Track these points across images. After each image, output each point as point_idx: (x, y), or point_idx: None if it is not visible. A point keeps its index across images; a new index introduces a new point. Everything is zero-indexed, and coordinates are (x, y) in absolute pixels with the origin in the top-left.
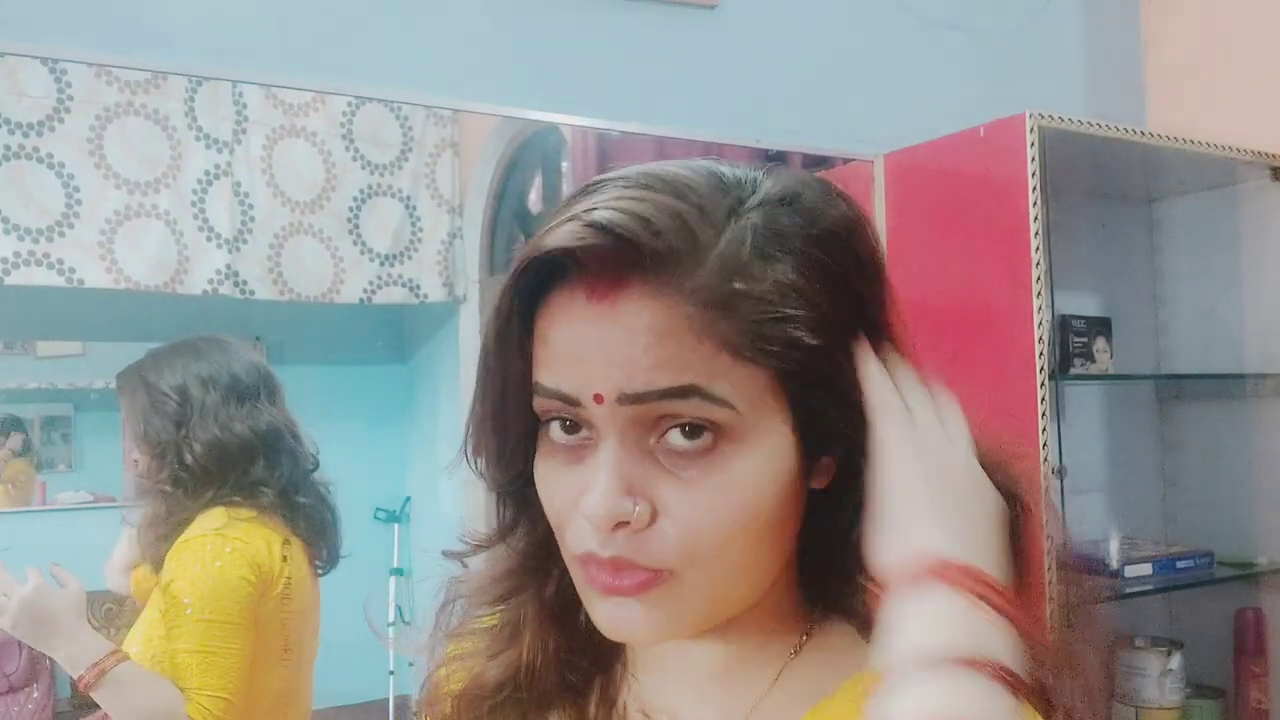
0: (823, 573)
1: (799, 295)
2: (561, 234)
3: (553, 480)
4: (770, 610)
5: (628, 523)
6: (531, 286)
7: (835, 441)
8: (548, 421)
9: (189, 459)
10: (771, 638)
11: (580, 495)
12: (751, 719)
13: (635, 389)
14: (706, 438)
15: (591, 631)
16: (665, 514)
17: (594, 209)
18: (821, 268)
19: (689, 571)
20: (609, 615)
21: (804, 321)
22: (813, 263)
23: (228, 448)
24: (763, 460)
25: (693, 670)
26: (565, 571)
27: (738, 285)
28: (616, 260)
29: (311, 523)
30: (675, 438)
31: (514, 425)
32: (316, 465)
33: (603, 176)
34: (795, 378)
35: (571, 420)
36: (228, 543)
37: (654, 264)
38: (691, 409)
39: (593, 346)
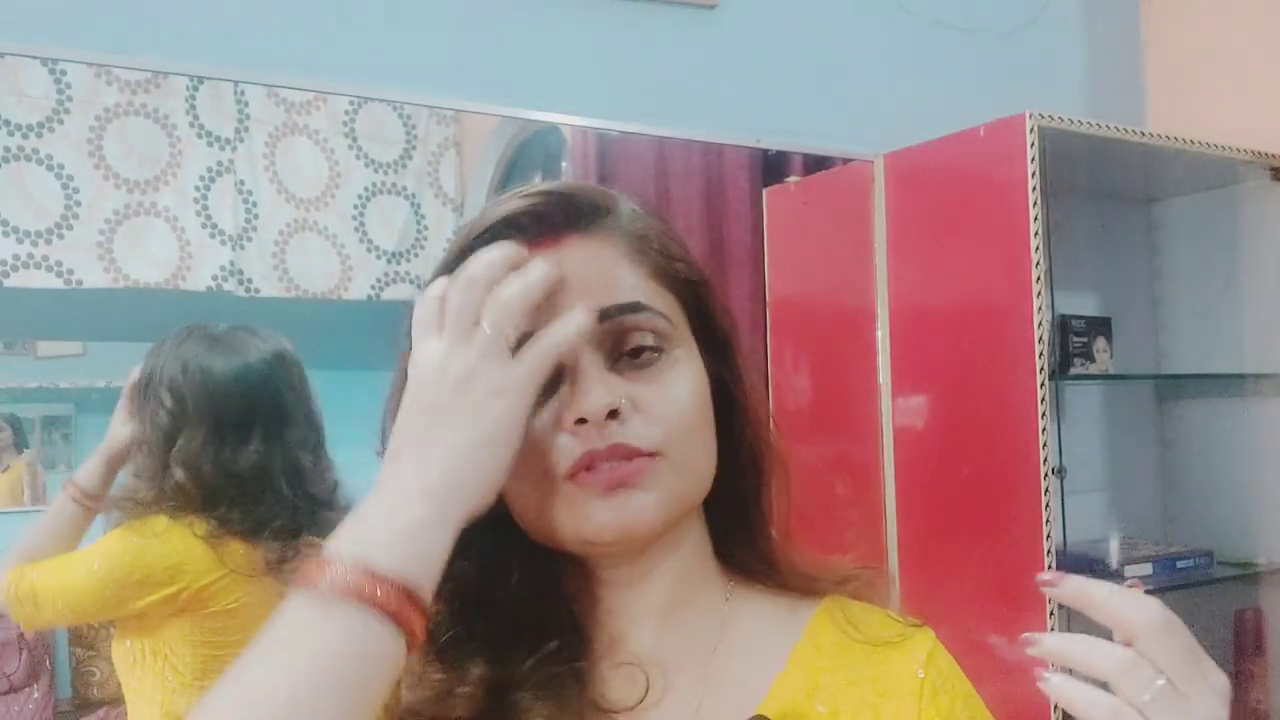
0: (730, 543)
1: (676, 245)
2: (508, 205)
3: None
4: (698, 553)
5: (617, 411)
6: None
7: (716, 384)
8: None
9: (168, 486)
10: (705, 580)
11: (555, 423)
12: (720, 638)
13: (606, 304)
14: (649, 355)
15: (547, 624)
16: (638, 408)
17: (523, 191)
18: (676, 239)
19: (671, 451)
20: (613, 512)
21: (685, 264)
22: (672, 234)
23: (188, 491)
24: (691, 367)
25: (649, 611)
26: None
27: (643, 231)
28: (554, 218)
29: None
30: (626, 360)
31: None
32: (336, 488)
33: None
34: (693, 312)
35: None
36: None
37: (585, 217)
38: (645, 321)
39: (562, 280)
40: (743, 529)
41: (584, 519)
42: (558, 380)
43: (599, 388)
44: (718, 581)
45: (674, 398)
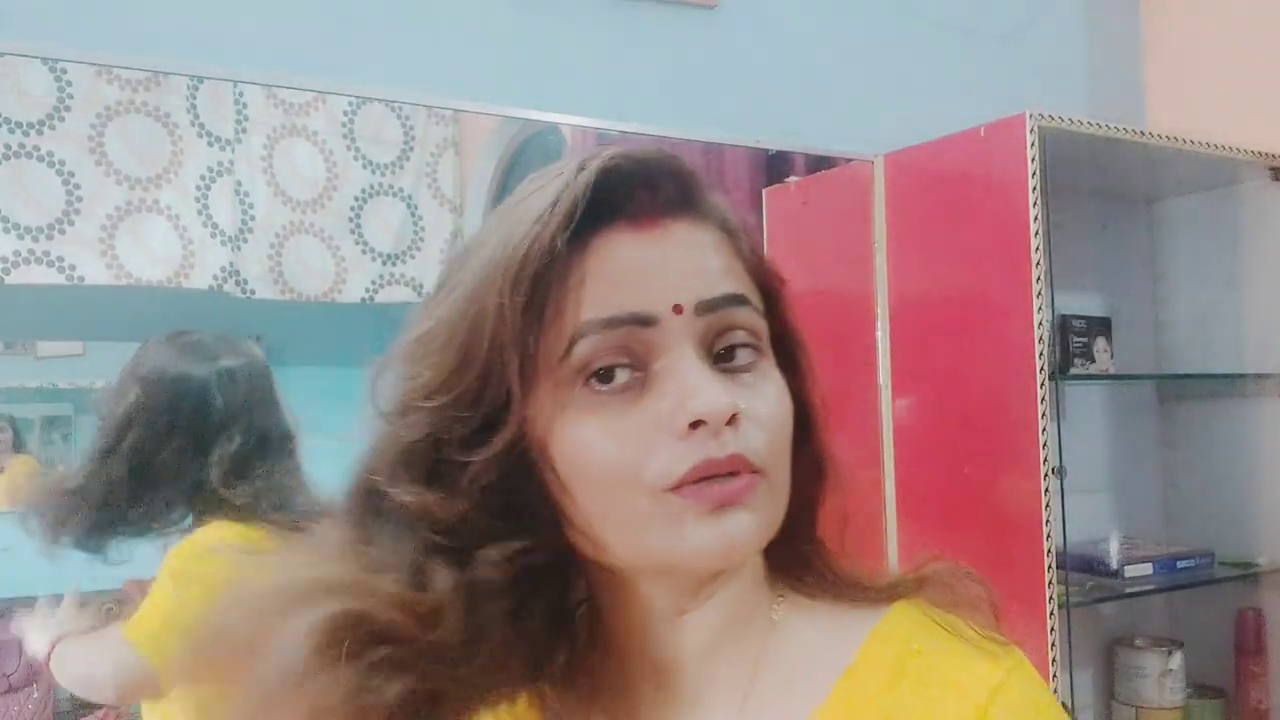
0: (774, 547)
1: (758, 244)
2: (612, 160)
3: (607, 432)
4: (753, 569)
5: (737, 416)
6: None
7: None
8: (587, 376)
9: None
10: (756, 593)
11: (655, 428)
12: (761, 660)
13: (711, 295)
14: (745, 355)
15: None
16: (746, 414)
17: (627, 149)
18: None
19: (773, 471)
20: (717, 533)
21: (768, 264)
22: (752, 231)
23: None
24: (778, 374)
25: (697, 640)
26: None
27: (734, 224)
28: (658, 190)
29: None
30: (722, 359)
31: (493, 396)
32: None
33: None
34: (772, 318)
35: (607, 368)
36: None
37: (689, 192)
38: (744, 317)
39: (663, 263)
40: (786, 534)
41: (682, 538)
42: (644, 379)
43: (716, 386)
44: (766, 591)
45: (775, 410)
